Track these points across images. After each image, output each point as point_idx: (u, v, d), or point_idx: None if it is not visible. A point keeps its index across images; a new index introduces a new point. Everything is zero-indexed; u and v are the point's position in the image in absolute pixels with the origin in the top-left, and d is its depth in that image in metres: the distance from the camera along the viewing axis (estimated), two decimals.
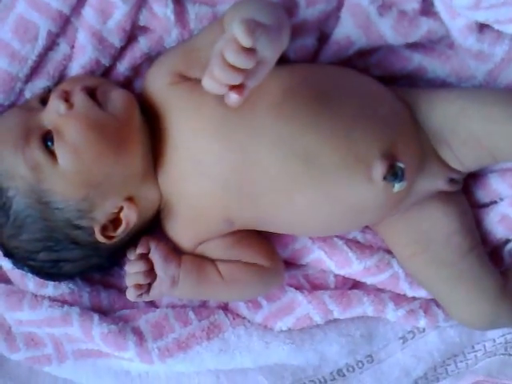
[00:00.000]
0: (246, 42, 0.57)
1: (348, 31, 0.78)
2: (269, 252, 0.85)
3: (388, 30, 0.77)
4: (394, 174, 0.73)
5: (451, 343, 0.92)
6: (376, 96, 0.77)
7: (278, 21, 0.68)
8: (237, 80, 0.60)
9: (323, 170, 0.72)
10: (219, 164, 0.74)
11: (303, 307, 0.88)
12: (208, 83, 0.62)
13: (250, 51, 0.58)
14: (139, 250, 0.81)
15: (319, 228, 0.82)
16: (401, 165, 0.73)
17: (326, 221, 0.79)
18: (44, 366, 0.89)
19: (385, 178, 0.73)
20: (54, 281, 0.86)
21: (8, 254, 0.81)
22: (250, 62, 0.58)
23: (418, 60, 0.82)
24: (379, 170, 0.72)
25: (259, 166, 0.73)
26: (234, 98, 0.61)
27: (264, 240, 0.86)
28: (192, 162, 0.75)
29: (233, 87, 0.61)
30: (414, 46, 0.81)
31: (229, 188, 0.75)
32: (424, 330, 0.92)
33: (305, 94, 0.73)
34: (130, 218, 0.77)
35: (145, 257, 0.81)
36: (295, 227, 0.82)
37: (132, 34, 0.81)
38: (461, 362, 0.93)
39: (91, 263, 0.82)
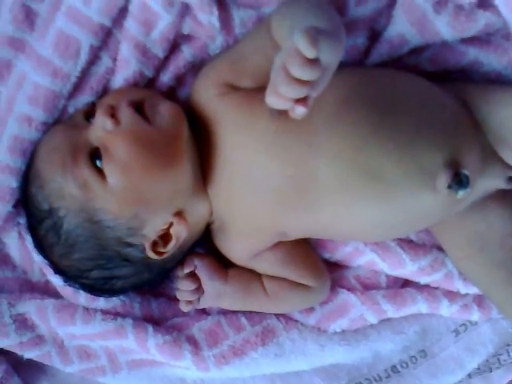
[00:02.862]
0: (310, 53, 0.53)
1: (401, 29, 0.74)
2: (316, 270, 0.85)
3: (444, 27, 0.73)
4: (458, 181, 0.70)
5: (504, 334, 0.92)
6: (436, 101, 0.74)
7: (333, 23, 0.64)
8: (303, 93, 0.57)
9: (385, 183, 0.70)
10: (273, 179, 0.72)
11: (357, 308, 0.88)
12: (272, 100, 0.58)
13: (314, 62, 0.54)
14: (186, 270, 0.83)
15: (377, 236, 0.80)
16: (466, 172, 0.70)
17: (385, 229, 0.77)
18: (98, 378, 0.89)
19: (449, 187, 0.70)
20: (106, 297, 0.85)
21: (59, 272, 0.80)
22: (316, 73, 0.55)
23: (473, 54, 0.78)
24: (443, 179, 0.70)
25: (316, 180, 0.71)
26: (299, 110, 0.58)
27: (313, 255, 0.86)
28: (244, 177, 0.73)
29: (298, 100, 0.58)
30: (469, 40, 0.77)
31: (283, 203, 0.73)
32: (476, 322, 0.92)
33: (363, 103, 0.70)
34: (180, 233, 0.75)
35: (192, 274, 0.83)
36: (352, 236, 0.81)
37: (175, 43, 0.77)
38: None
39: (142, 279, 0.81)
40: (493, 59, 0.78)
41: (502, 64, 0.78)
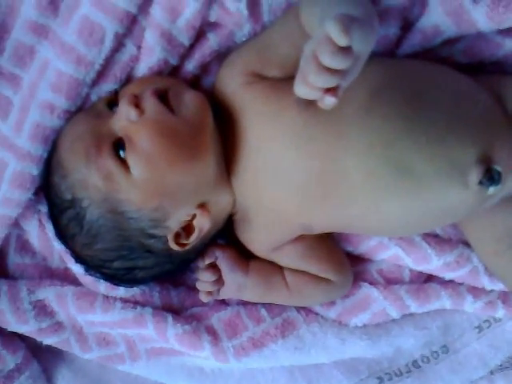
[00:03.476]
0: (343, 41, 0.51)
1: (436, 20, 0.72)
2: (338, 264, 0.84)
3: (482, 18, 0.70)
4: (490, 178, 0.68)
5: None
6: (469, 95, 0.71)
7: (366, 10, 0.62)
8: (333, 82, 0.55)
9: (415, 179, 0.68)
10: (299, 171, 0.70)
11: (379, 303, 0.87)
12: (301, 89, 0.57)
13: (346, 50, 0.52)
14: (207, 261, 0.82)
15: (404, 231, 0.79)
16: (498, 168, 0.69)
17: (413, 225, 0.75)
18: (117, 365, 0.89)
19: (480, 182, 0.69)
20: (127, 287, 0.85)
21: (81, 262, 0.79)
22: (348, 62, 0.53)
23: (509, 46, 0.75)
24: (475, 175, 0.68)
25: (345, 174, 0.69)
26: (329, 100, 0.56)
27: (335, 249, 0.85)
28: (269, 169, 0.72)
29: (327, 90, 0.56)
30: (506, 31, 0.74)
31: (310, 196, 0.71)
32: (500, 319, 0.90)
33: (395, 95, 0.68)
34: (203, 225, 0.74)
35: (213, 265, 0.82)
36: (379, 231, 0.79)
37: (201, 31, 0.75)
38: None
39: (164, 269, 0.80)
40: None
41: None
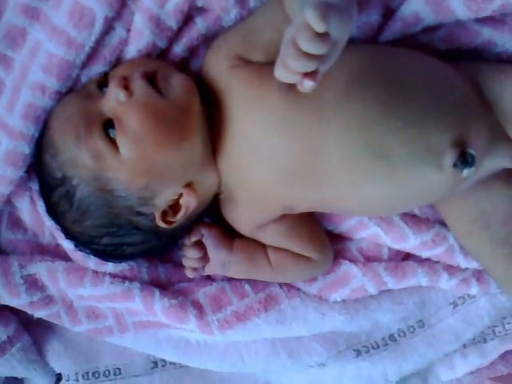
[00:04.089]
0: (320, 27, 0.53)
1: (416, 8, 0.74)
2: (319, 243, 0.87)
3: (459, 7, 0.72)
4: (464, 161, 0.71)
5: (501, 308, 0.94)
6: (446, 80, 0.74)
7: None
8: (311, 67, 0.57)
9: (392, 163, 0.71)
10: (281, 154, 0.73)
11: (358, 279, 0.90)
12: (281, 73, 0.59)
13: (324, 36, 0.55)
14: (193, 239, 0.84)
15: (381, 211, 0.82)
16: (472, 151, 0.71)
17: (390, 206, 0.78)
18: (106, 337, 0.92)
19: (455, 165, 0.71)
20: (115, 262, 0.87)
21: (71, 238, 0.82)
22: (325, 48, 0.55)
23: (487, 34, 0.77)
24: (449, 158, 0.71)
25: (324, 156, 0.71)
26: (308, 84, 0.58)
27: (317, 228, 0.88)
28: (253, 151, 0.74)
29: (306, 74, 0.58)
30: (483, 20, 0.76)
31: (291, 177, 0.74)
32: (474, 296, 0.94)
33: (373, 81, 0.70)
34: (189, 203, 0.77)
35: (198, 243, 0.85)
36: (358, 211, 0.82)
37: (189, 15, 0.77)
38: (508, 323, 0.95)
39: (151, 246, 0.83)
40: (507, 40, 0.78)
41: None
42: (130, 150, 0.71)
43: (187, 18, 0.77)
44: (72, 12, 0.73)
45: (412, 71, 0.73)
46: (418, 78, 0.72)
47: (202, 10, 0.77)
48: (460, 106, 0.73)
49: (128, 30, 0.76)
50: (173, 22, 0.76)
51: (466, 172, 0.72)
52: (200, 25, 0.78)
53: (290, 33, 0.57)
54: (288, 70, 0.58)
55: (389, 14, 0.77)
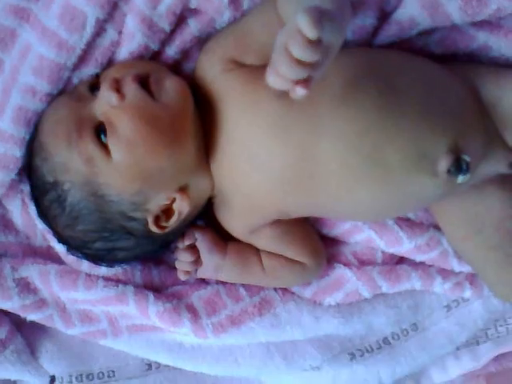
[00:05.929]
0: (312, 34, 0.52)
1: (412, 12, 0.73)
2: (312, 249, 0.86)
3: (456, 12, 0.72)
4: (458, 167, 0.71)
5: (495, 312, 0.94)
6: (442, 85, 0.73)
7: (338, 3, 0.63)
8: (304, 74, 0.56)
9: (386, 169, 0.70)
10: (275, 159, 0.72)
11: (352, 283, 0.90)
12: (273, 80, 0.58)
13: (316, 43, 0.53)
14: (186, 242, 0.83)
15: (376, 217, 0.82)
16: (466, 158, 0.71)
17: (385, 211, 0.78)
18: (99, 340, 0.92)
19: (449, 171, 0.71)
20: (108, 266, 0.87)
21: (63, 242, 0.81)
22: (318, 55, 0.54)
23: (483, 38, 0.77)
24: (444, 164, 0.70)
25: (318, 161, 0.70)
26: (300, 91, 0.57)
27: (311, 233, 0.87)
28: (247, 156, 0.73)
29: (298, 81, 0.57)
30: (479, 24, 0.76)
31: (285, 182, 0.73)
32: (468, 299, 0.94)
33: (369, 85, 0.69)
34: (182, 208, 0.76)
35: (192, 246, 0.84)
36: (352, 217, 0.82)
37: (181, 17, 0.76)
38: (501, 326, 0.96)
39: (144, 250, 0.82)
40: (502, 44, 0.77)
41: (511, 50, 0.77)
42: (122, 154, 0.71)
43: (180, 20, 0.76)
44: (63, 13, 0.72)
45: (408, 75, 0.72)
46: (413, 83, 0.71)
47: (195, 12, 0.76)
48: (456, 111, 0.72)
49: (120, 32, 0.75)
50: (165, 24, 0.75)
51: (460, 178, 0.72)
52: (193, 27, 0.77)
53: (282, 38, 0.55)
54: (280, 76, 0.56)
55: (384, 17, 0.76)
